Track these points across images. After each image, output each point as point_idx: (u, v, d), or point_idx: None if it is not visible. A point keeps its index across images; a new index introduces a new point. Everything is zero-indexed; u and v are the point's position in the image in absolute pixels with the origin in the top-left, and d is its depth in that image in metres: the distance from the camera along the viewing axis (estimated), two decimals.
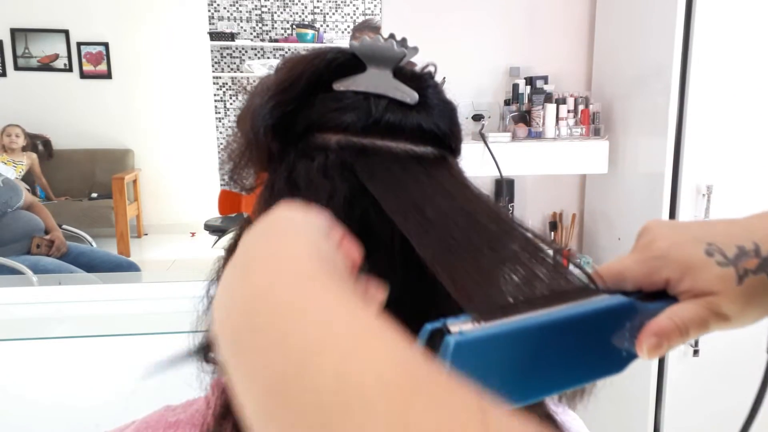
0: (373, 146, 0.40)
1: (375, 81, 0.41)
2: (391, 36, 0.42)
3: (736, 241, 0.35)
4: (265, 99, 0.41)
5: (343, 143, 0.40)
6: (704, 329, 0.35)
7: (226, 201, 0.47)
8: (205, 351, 0.47)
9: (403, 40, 0.43)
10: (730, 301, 0.34)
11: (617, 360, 0.35)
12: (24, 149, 3.82)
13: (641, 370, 1.49)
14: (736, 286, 0.34)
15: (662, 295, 0.36)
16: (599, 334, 0.33)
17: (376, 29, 2.21)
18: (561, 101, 1.59)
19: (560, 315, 0.31)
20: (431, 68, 0.45)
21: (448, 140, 0.43)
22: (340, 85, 0.41)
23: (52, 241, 2.51)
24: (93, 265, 2.53)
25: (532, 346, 0.31)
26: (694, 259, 0.35)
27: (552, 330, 0.31)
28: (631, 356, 0.35)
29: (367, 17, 3.79)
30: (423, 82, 0.43)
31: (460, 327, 0.30)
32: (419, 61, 0.46)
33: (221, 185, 0.50)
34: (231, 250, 0.46)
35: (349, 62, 0.41)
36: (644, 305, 0.35)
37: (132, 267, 2.74)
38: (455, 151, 0.45)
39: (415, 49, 0.43)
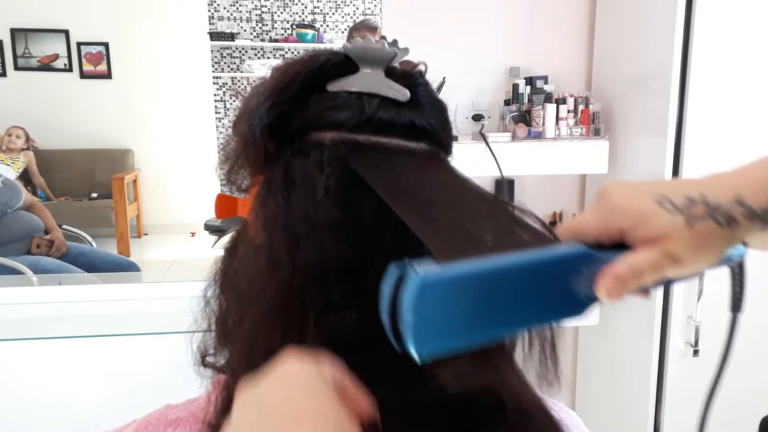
0: (366, 141, 0.41)
1: (368, 81, 0.42)
2: (383, 37, 0.43)
3: (685, 191, 0.37)
4: (261, 100, 0.42)
5: (337, 139, 0.41)
6: (659, 272, 0.36)
7: (223, 205, 0.47)
8: (202, 356, 0.47)
9: (394, 41, 0.44)
10: (683, 245, 0.36)
11: (577, 304, 0.37)
12: (23, 149, 3.82)
13: (641, 369, 1.48)
14: (686, 231, 0.36)
15: (620, 248, 0.38)
16: (558, 279, 0.36)
17: (373, 29, 2.21)
18: (561, 101, 1.59)
19: (521, 259, 0.35)
20: (422, 67, 0.46)
21: (440, 137, 0.44)
22: (334, 86, 0.42)
23: (52, 241, 2.51)
24: (93, 265, 2.53)
25: (494, 288, 0.34)
26: (647, 209, 0.37)
27: (513, 273, 0.34)
28: (592, 300, 0.37)
29: (366, 17, 3.79)
30: (414, 80, 0.44)
31: (425, 268, 0.31)
32: (416, 61, 0.47)
33: (221, 187, 0.50)
34: (230, 250, 0.47)
35: (342, 63, 0.43)
36: (601, 254, 0.37)
37: (132, 267, 2.74)
38: (447, 148, 0.46)
39: (406, 50, 0.44)
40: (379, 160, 0.40)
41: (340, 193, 0.39)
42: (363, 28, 3.03)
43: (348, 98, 0.41)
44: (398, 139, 0.42)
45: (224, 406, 0.42)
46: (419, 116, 0.43)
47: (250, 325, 0.40)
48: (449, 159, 0.46)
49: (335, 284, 0.38)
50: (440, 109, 0.45)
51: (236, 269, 0.45)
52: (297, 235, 0.39)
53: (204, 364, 0.47)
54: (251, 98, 0.43)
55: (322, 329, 0.38)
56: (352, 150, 0.40)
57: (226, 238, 0.47)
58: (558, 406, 0.51)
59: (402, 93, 0.42)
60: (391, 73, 0.43)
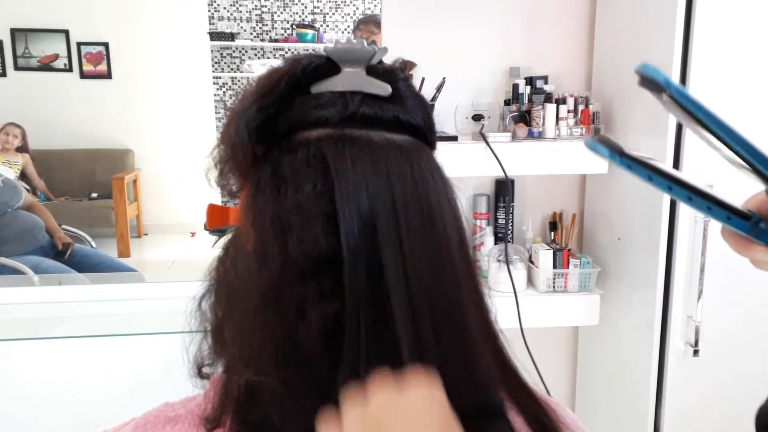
0: (351, 135, 0.42)
1: (350, 80, 0.43)
2: (361, 39, 0.45)
3: None
4: (247, 104, 0.43)
5: (322, 135, 0.42)
6: None
7: (214, 215, 0.48)
8: (198, 367, 0.48)
9: (373, 42, 0.45)
10: None
11: None
12: (19, 150, 3.81)
13: (641, 369, 1.48)
14: None
15: None
16: None
17: (379, 24, 2.22)
18: (561, 101, 1.59)
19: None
20: (400, 63, 0.47)
21: (423, 130, 0.46)
22: (317, 88, 0.43)
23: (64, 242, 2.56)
24: (96, 271, 2.54)
25: None
26: None
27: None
28: None
29: (374, 14, 3.78)
30: (394, 75, 0.46)
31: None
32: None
33: (221, 198, 0.50)
34: (223, 256, 0.47)
35: (325, 65, 0.44)
36: None
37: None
38: (431, 143, 0.47)
39: (385, 49, 0.46)
40: (357, 156, 0.41)
41: (328, 186, 0.40)
42: (371, 23, 3.01)
43: (332, 97, 0.43)
44: (382, 132, 0.43)
45: (221, 402, 0.43)
46: (402, 110, 0.44)
47: (242, 318, 0.41)
48: (432, 153, 0.47)
49: (325, 275, 0.39)
50: (423, 104, 0.47)
51: (228, 269, 0.45)
52: (286, 228, 0.40)
53: (200, 375, 0.47)
54: (238, 104, 0.44)
55: (314, 320, 0.39)
56: (336, 144, 0.41)
57: (226, 239, 0.48)
58: (560, 408, 0.51)
59: (384, 88, 0.44)
60: (373, 71, 0.44)
